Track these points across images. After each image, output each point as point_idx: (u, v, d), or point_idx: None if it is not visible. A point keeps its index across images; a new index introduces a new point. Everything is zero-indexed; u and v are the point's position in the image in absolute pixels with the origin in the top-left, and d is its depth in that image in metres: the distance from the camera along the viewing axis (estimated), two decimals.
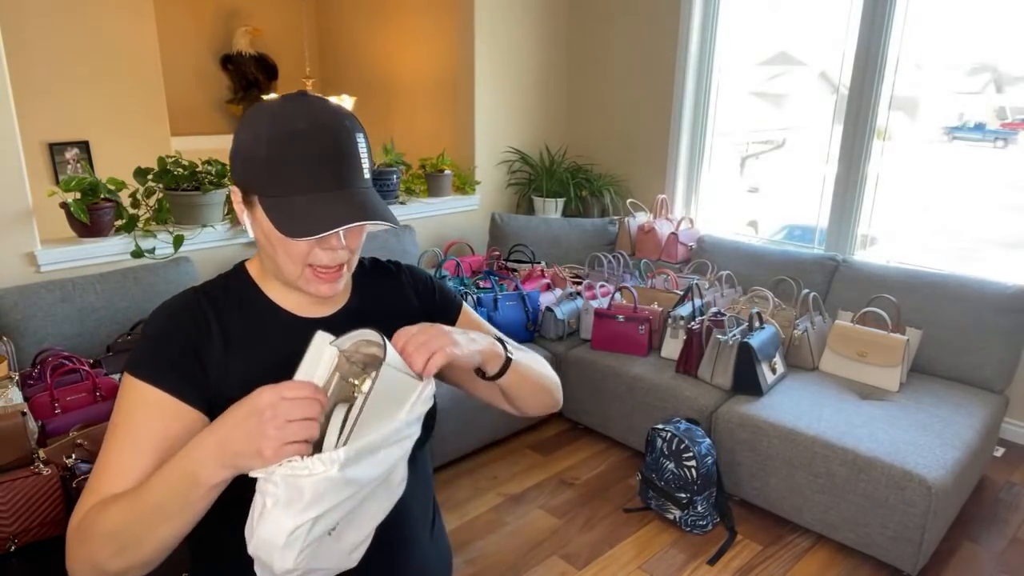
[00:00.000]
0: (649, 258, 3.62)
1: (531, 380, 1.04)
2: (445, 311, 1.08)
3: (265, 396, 0.70)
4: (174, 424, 0.82)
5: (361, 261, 1.03)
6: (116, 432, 0.82)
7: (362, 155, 0.84)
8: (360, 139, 0.85)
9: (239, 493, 0.75)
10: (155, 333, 0.87)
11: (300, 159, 0.80)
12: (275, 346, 0.90)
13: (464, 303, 1.13)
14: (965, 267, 2.98)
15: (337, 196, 0.81)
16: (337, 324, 0.90)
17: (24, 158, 2.33)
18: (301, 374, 0.76)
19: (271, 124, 0.81)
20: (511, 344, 1.01)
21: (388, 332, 0.81)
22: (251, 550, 0.72)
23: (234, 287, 0.93)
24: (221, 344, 0.88)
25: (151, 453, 0.80)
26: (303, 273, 0.86)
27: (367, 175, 0.85)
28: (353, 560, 0.82)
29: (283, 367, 0.77)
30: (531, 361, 1.05)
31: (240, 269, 0.96)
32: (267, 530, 0.70)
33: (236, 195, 0.87)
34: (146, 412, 0.82)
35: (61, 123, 4.50)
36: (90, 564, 0.77)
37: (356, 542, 0.82)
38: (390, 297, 1.04)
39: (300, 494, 0.69)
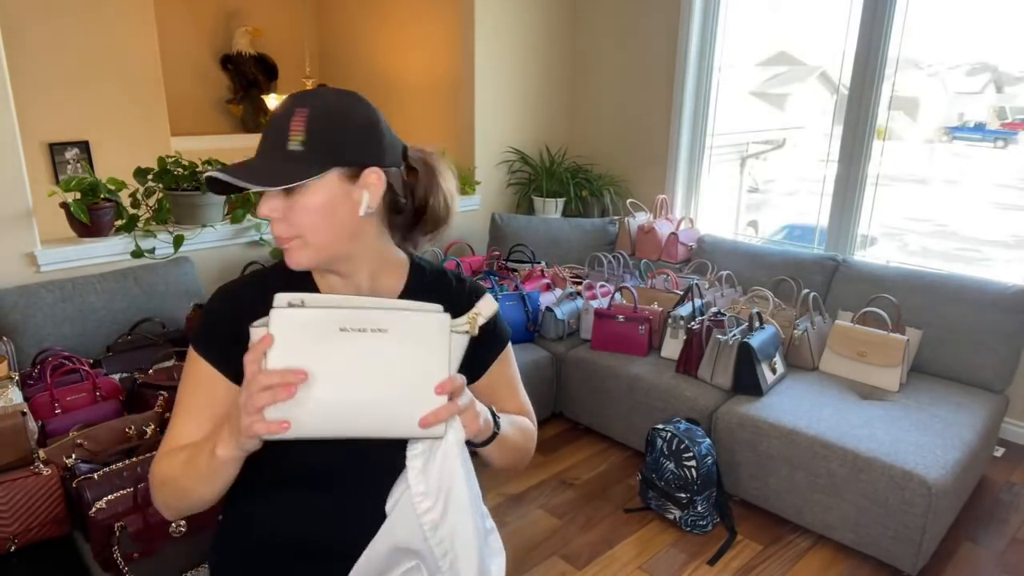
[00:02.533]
0: (649, 258, 3.62)
1: (507, 450, 1.04)
2: (491, 345, 1.07)
3: (242, 394, 0.77)
4: (220, 397, 0.93)
5: (425, 269, 1.05)
6: (180, 398, 0.95)
7: (292, 127, 0.86)
8: (300, 112, 0.87)
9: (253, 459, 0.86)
10: (210, 312, 0.96)
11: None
12: None
13: (510, 348, 1.12)
14: (965, 267, 2.98)
15: (250, 163, 0.88)
16: None
17: (24, 158, 2.33)
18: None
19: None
20: (502, 419, 1.00)
21: None
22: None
23: (290, 274, 0.96)
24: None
25: (203, 420, 0.93)
26: (277, 244, 0.92)
27: (291, 146, 0.86)
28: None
29: None
30: (516, 432, 1.06)
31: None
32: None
33: None
34: (197, 384, 0.94)
35: (61, 123, 4.49)
36: (162, 503, 0.95)
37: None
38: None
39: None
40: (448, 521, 0.85)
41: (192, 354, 0.94)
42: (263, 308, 0.78)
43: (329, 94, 0.90)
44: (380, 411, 0.78)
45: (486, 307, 0.96)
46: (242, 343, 0.82)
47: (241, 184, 0.85)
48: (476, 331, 0.85)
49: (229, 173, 0.85)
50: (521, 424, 1.09)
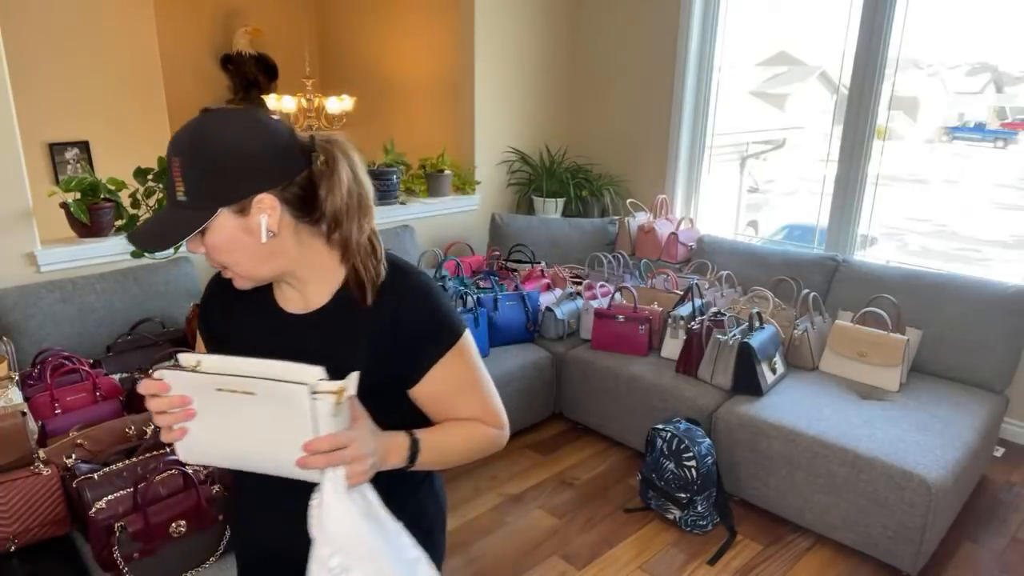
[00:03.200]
0: (649, 258, 3.62)
1: (443, 463, 1.04)
2: (425, 348, 1.00)
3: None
4: None
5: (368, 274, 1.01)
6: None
7: (174, 177, 0.89)
8: (175, 162, 0.89)
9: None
10: (202, 299, 1.12)
11: None
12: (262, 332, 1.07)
13: (457, 353, 1.02)
14: (965, 267, 2.98)
15: (159, 216, 0.93)
16: (307, 322, 1.01)
17: (24, 158, 2.33)
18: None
19: None
20: (424, 442, 0.98)
21: (350, 348, 0.97)
22: None
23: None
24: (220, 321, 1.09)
25: None
26: None
27: (179, 197, 0.90)
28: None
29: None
30: (445, 453, 1.03)
31: None
32: None
33: None
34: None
35: (61, 123, 4.49)
36: None
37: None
38: (362, 320, 1.00)
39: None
40: (356, 567, 0.89)
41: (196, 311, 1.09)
42: (240, 300, 1.02)
43: (204, 133, 0.89)
44: (255, 457, 0.92)
45: (353, 385, 0.88)
46: (217, 330, 1.07)
47: (151, 249, 0.92)
48: (342, 401, 0.85)
49: (140, 240, 0.92)
50: (460, 436, 1.04)
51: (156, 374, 0.89)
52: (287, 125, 0.96)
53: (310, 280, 1.00)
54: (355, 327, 0.99)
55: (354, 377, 0.87)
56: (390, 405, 1.00)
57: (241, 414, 0.88)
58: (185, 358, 0.91)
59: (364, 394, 0.91)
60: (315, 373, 0.86)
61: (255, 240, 0.92)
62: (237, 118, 0.91)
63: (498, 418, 1.08)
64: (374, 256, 1.00)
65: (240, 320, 1.06)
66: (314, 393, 0.84)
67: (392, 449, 0.95)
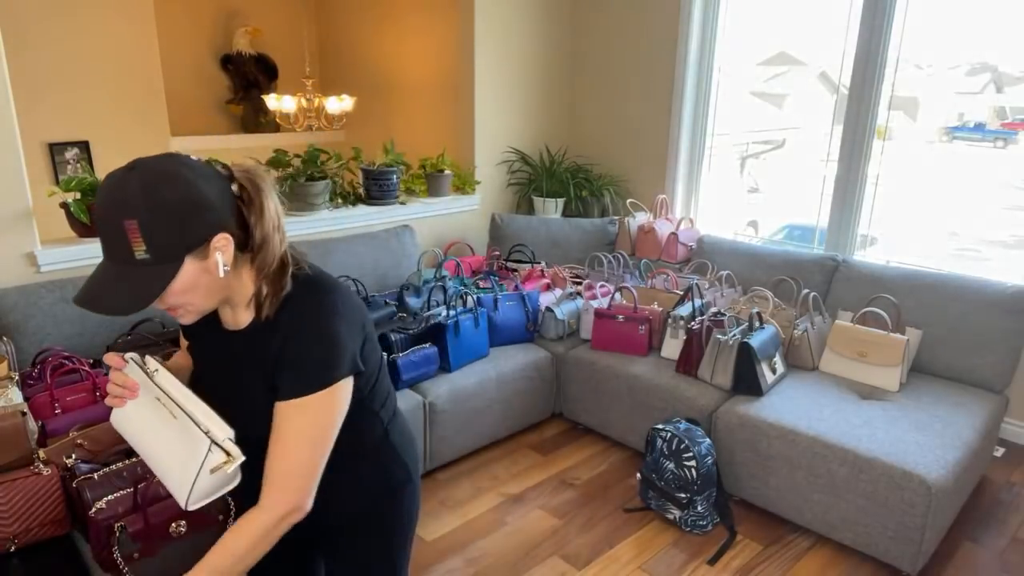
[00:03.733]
0: (649, 258, 3.62)
1: (242, 567, 1.08)
2: (281, 381, 1.06)
3: None
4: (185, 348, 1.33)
5: (292, 292, 1.07)
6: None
7: (131, 239, 0.91)
8: (130, 224, 0.91)
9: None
10: None
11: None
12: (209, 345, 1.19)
13: (302, 405, 1.05)
14: (965, 267, 2.98)
15: (108, 279, 0.95)
16: (236, 338, 1.11)
17: (24, 158, 2.33)
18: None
19: None
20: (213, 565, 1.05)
21: (256, 362, 1.08)
22: None
23: None
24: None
25: (181, 356, 1.36)
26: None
27: (138, 256, 0.92)
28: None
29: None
30: (236, 554, 1.06)
31: None
32: None
33: None
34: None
35: (61, 123, 4.49)
36: None
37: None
38: (263, 343, 1.07)
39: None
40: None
41: None
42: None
43: (154, 188, 0.91)
44: (151, 458, 1.12)
45: (237, 460, 1.03)
46: (188, 330, 1.20)
47: (124, 314, 0.94)
48: (227, 467, 1.02)
49: (105, 307, 0.93)
50: (231, 548, 1.05)
51: (126, 356, 1.10)
52: (208, 162, 1.00)
53: (239, 304, 1.09)
54: (265, 343, 1.07)
55: (236, 463, 1.03)
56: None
57: (160, 424, 1.08)
58: (150, 361, 1.11)
59: (262, 399, 1.07)
60: (225, 432, 1.04)
61: (212, 278, 0.99)
62: (173, 167, 0.94)
63: (294, 486, 1.06)
64: (282, 273, 1.06)
65: (201, 329, 1.17)
66: (211, 447, 1.02)
67: None
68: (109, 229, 0.92)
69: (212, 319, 1.14)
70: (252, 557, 1.06)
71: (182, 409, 1.05)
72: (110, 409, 1.15)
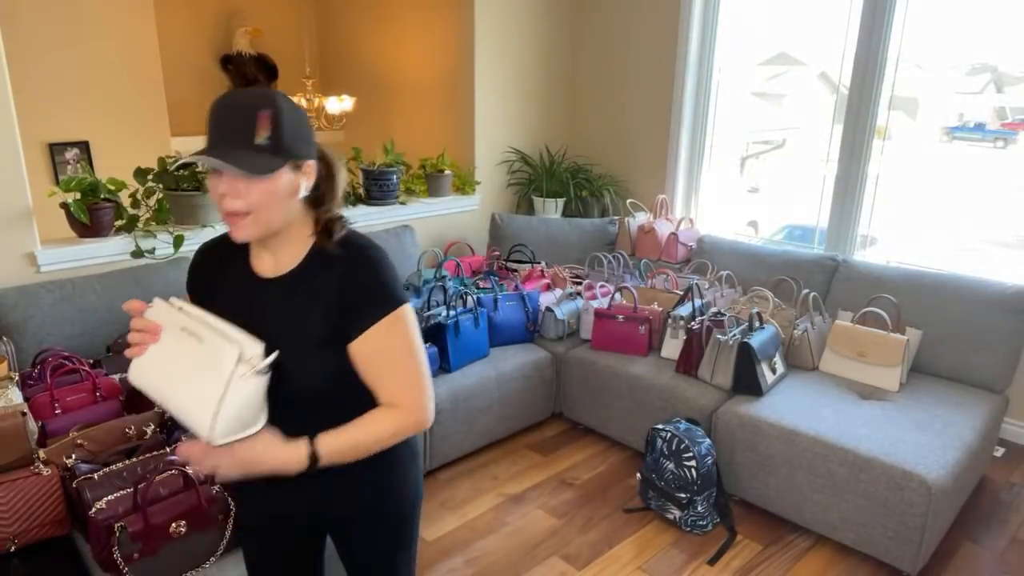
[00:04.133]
0: (649, 258, 3.62)
1: (355, 457, 1.15)
2: (362, 308, 1.12)
3: None
4: None
5: (332, 243, 1.15)
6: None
7: (259, 124, 1.03)
8: (264, 113, 1.03)
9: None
10: (191, 265, 1.25)
11: (207, 124, 1.05)
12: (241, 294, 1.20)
13: (388, 325, 1.12)
14: (965, 267, 2.98)
15: (216, 150, 1.02)
16: (278, 285, 1.15)
17: (24, 158, 2.33)
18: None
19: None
20: (323, 448, 1.10)
21: (309, 304, 1.11)
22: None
23: (234, 245, 1.19)
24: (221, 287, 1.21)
25: None
26: (224, 218, 1.08)
27: (258, 141, 1.03)
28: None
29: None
30: (350, 449, 1.13)
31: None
32: None
33: None
34: None
35: (61, 123, 4.49)
36: None
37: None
38: (320, 281, 1.14)
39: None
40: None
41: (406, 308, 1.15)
42: (216, 270, 1.19)
43: (279, 97, 1.06)
44: (173, 396, 1.06)
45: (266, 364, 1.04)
46: (201, 293, 1.20)
47: (231, 169, 1.00)
48: (255, 372, 1.03)
49: (219, 158, 0.99)
50: (367, 432, 1.13)
51: (152, 302, 1.09)
52: None
53: (288, 243, 1.14)
54: (314, 288, 1.13)
55: (270, 358, 1.03)
56: (331, 357, 1.12)
57: (184, 356, 1.05)
58: (174, 300, 1.10)
59: (313, 345, 1.10)
60: (254, 347, 1.03)
61: (289, 198, 1.08)
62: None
63: (418, 401, 1.16)
64: (334, 231, 1.16)
65: (221, 284, 1.20)
66: (240, 360, 1.01)
67: (291, 461, 1.08)
68: (238, 116, 1.03)
69: (243, 273, 1.18)
70: (365, 451, 1.14)
71: (211, 328, 1.04)
72: (115, 410, 1.16)
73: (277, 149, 1.04)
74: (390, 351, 1.13)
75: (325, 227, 1.15)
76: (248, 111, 1.03)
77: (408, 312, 1.14)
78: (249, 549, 1.37)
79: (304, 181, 1.09)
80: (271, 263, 1.16)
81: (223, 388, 1.01)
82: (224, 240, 1.20)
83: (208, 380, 1.02)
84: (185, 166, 2.30)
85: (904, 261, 3.10)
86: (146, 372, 1.08)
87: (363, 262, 1.13)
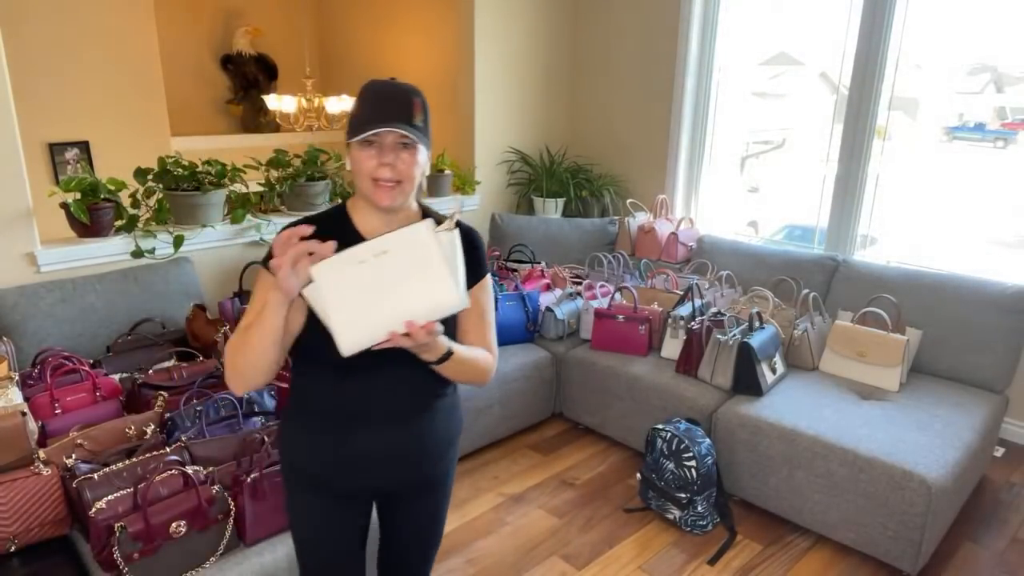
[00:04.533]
0: (649, 258, 3.62)
1: (459, 372, 1.29)
2: (471, 270, 1.27)
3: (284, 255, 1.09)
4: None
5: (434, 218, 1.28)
6: (252, 301, 1.25)
7: (415, 109, 1.21)
8: (417, 100, 1.22)
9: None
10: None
11: (368, 105, 1.20)
12: None
13: (487, 282, 1.37)
14: (965, 267, 2.98)
15: (386, 124, 1.17)
16: None
17: (24, 158, 2.33)
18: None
19: (361, 92, 1.23)
20: (456, 348, 1.25)
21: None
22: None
23: (336, 219, 1.30)
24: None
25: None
26: (371, 186, 1.21)
27: (415, 122, 1.20)
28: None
29: None
30: (469, 358, 1.30)
31: (340, 207, 1.33)
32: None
33: (347, 145, 1.24)
34: (266, 291, 1.17)
35: (61, 123, 4.50)
36: (232, 372, 1.21)
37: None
38: None
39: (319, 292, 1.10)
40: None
41: (261, 270, 1.23)
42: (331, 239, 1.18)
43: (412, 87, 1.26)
44: (395, 313, 1.10)
45: (454, 207, 1.21)
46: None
47: (413, 136, 1.19)
48: (454, 226, 1.14)
49: (400, 129, 1.17)
50: (477, 356, 1.32)
51: (315, 270, 1.10)
52: None
53: (399, 218, 1.29)
54: None
55: (455, 210, 1.18)
56: None
57: (382, 277, 1.09)
58: (320, 265, 1.10)
59: None
60: (427, 221, 1.11)
61: (422, 174, 1.27)
62: None
63: (495, 352, 1.39)
64: (433, 213, 1.34)
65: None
66: (432, 227, 1.10)
67: (443, 347, 1.20)
68: (399, 99, 1.20)
69: (348, 239, 1.26)
70: (472, 371, 1.30)
71: (383, 238, 1.10)
72: (115, 409, 1.15)
73: (424, 132, 1.22)
74: (487, 304, 1.37)
75: (425, 210, 1.35)
76: (406, 96, 1.21)
77: (491, 280, 1.41)
78: (322, 522, 1.38)
79: (427, 162, 1.28)
80: (383, 227, 1.29)
81: (441, 255, 1.10)
82: (312, 221, 1.25)
83: (423, 264, 1.09)
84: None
85: (904, 261, 3.10)
86: (358, 330, 1.10)
87: (472, 233, 1.36)
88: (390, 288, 1.09)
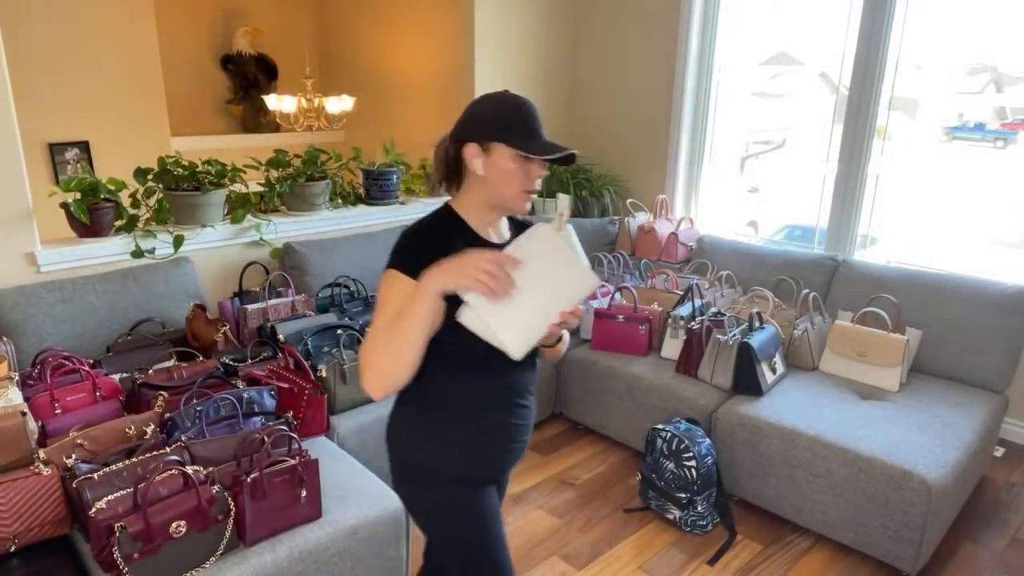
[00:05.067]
0: (649, 258, 3.62)
1: (559, 352, 1.47)
2: None
3: (473, 252, 1.17)
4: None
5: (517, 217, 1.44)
6: (384, 304, 1.25)
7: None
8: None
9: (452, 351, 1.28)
10: (414, 243, 1.30)
11: (525, 120, 1.28)
12: None
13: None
14: (965, 267, 2.98)
15: (545, 141, 1.28)
16: (502, 247, 1.30)
17: (24, 158, 2.33)
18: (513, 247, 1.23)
19: (499, 102, 1.29)
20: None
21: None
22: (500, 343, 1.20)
23: (456, 222, 1.35)
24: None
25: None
26: (518, 195, 1.29)
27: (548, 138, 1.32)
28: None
29: None
30: (564, 343, 1.49)
31: (448, 209, 1.36)
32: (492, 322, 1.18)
33: (472, 149, 1.28)
34: (401, 293, 1.23)
35: (61, 123, 4.50)
36: (374, 375, 1.21)
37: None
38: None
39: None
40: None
41: (394, 273, 1.25)
42: (448, 246, 1.24)
43: None
44: (546, 308, 1.21)
45: (563, 205, 1.23)
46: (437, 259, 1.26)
47: (573, 157, 1.27)
48: (563, 226, 1.23)
49: (564, 149, 1.23)
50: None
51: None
52: None
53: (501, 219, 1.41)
54: None
55: (566, 203, 1.22)
56: None
57: (525, 280, 1.19)
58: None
59: None
60: (541, 223, 1.23)
61: None
62: None
63: None
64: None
65: (454, 252, 1.28)
66: (547, 221, 1.22)
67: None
68: (537, 113, 1.30)
69: (478, 242, 1.34)
70: (561, 350, 1.47)
71: (520, 246, 1.22)
72: (115, 409, 1.14)
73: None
74: None
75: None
76: (535, 110, 1.30)
77: None
78: (486, 506, 1.43)
79: None
80: (495, 233, 1.38)
81: (569, 247, 1.23)
82: (431, 224, 1.34)
83: (557, 259, 1.22)
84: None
85: (904, 261, 3.10)
86: (523, 328, 1.20)
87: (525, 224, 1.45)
88: (536, 288, 1.19)
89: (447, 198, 1.41)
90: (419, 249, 1.28)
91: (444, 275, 1.17)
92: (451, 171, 1.35)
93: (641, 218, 3.77)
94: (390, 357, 1.20)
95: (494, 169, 1.28)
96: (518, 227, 1.45)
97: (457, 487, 1.38)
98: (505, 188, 1.28)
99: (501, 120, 1.27)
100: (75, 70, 4.49)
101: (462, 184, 1.34)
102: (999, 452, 2.93)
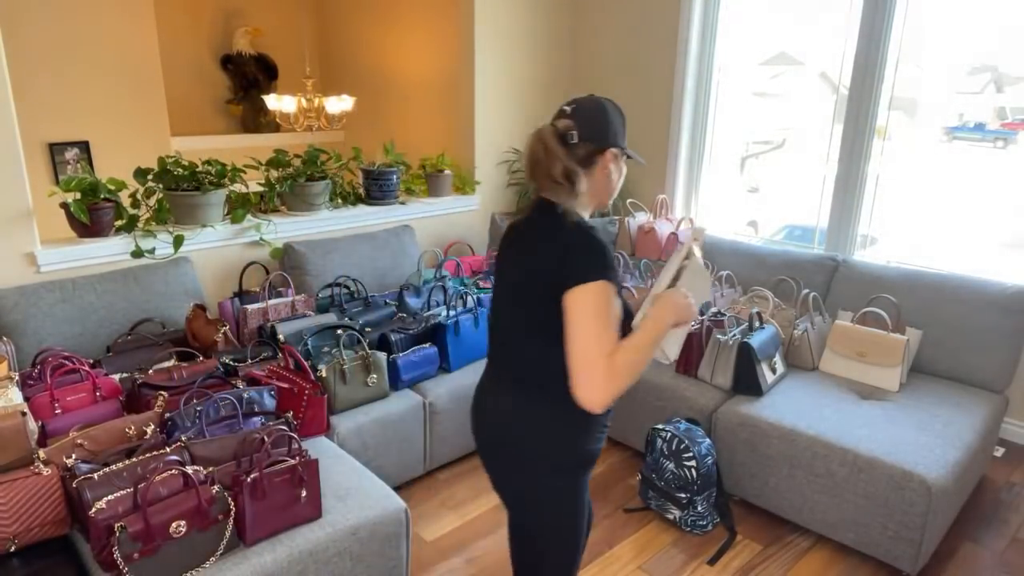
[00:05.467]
0: (649, 258, 3.62)
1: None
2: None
3: (680, 297, 1.42)
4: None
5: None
6: (601, 315, 1.29)
7: None
8: None
9: None
10: (610, 254, 1.36)
11: (623, 127, 1.44)
12: None
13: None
14: (965, 267, 2.98)
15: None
16: None
17: (24, 158, 2.33)
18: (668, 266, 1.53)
19: (616, 107, 1.42)
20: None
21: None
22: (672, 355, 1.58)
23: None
24: None
25: (613, 329, 1.32)
26: (612, 194, 1.44)
27: None
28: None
29: None
30: None
31: (581, 219, 1.39)
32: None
33: (612, 154, 1.40)
34: (613, 304, 1.33)
35: (61, 123, 4.50)
36: (622, 385, 1.33)
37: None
38: None
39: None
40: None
41: (606, 284, 1.30)
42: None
43: None
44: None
45: (701, 233, 1.52)
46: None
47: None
48: (699, 252, 1.52)
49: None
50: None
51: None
52: None
53: None
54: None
55: (703, 235, 1.56)
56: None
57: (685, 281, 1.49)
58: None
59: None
60: (679, 247, 1.55)
61: None
62: None
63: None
64: None
65: None
66: (685, 245, 1.51)
67: None
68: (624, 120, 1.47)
69: None
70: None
71: (672, 265, 1.51)
72: (115, 409, 1.14)
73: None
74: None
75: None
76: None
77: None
78: (582, 487, 1.51)
79: None
80: None
81: (703, 263, 1.52)
82: (599, 231, 1.44)
83: (696, 273, 1.50)
84: None
85: (904, 261, 3.10)
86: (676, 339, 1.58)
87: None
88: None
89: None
90: (614, 261, 1.45)
91: (672, 315, 1.39)
92: (573, 172, 1.38)
93: (641, 218, 3.77)
94: (635, 377, 1.35)
95: (617, 172, 1.43)
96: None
97: (584, 472, 1.49)
98: (614, 189, 1.44)
99: (623, 126, 1.43)
100: (75, 70, 4.49)
101: (575, 185, 1.36)
102: (999, 452, 2.93)
